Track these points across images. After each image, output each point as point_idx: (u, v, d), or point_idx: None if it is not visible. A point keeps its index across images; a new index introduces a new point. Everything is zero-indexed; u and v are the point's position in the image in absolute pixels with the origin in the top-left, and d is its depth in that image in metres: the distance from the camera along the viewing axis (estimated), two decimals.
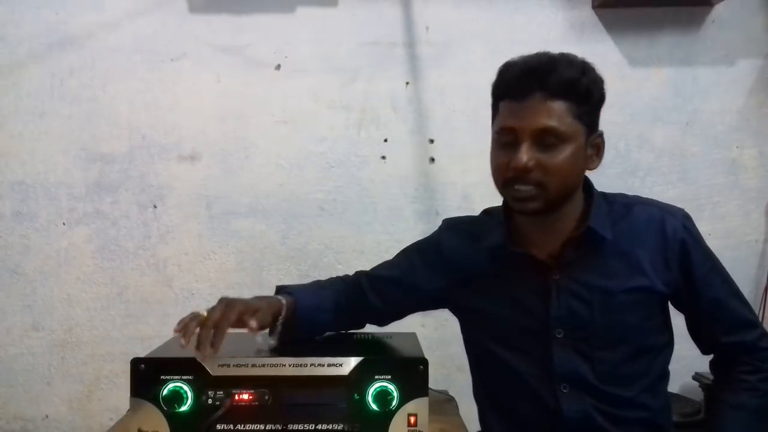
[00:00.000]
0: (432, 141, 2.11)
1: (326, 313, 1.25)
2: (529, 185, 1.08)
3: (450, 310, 1.32)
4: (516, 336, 1.19)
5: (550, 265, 1.15)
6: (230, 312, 1.08)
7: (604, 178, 2.05)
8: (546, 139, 1.07)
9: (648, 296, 1.14)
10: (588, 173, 1.17)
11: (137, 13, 2.07)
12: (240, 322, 1.09)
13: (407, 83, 2.11)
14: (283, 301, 1.19)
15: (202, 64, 2.09)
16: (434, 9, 2.09)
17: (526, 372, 1.18)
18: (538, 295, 1.16)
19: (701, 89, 2.13)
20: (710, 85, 2.13)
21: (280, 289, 1.27)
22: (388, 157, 2.11)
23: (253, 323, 1.08)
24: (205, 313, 1.08)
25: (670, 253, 1.14)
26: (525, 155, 1.06)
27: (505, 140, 1.10)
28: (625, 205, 1.18)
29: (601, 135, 1.15)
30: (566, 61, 1.09)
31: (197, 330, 1.06)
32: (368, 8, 2.08)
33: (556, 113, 1.06)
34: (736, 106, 2.13)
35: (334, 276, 1.35)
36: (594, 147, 1.14)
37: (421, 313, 1.36)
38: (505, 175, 1.10)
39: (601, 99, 1.12)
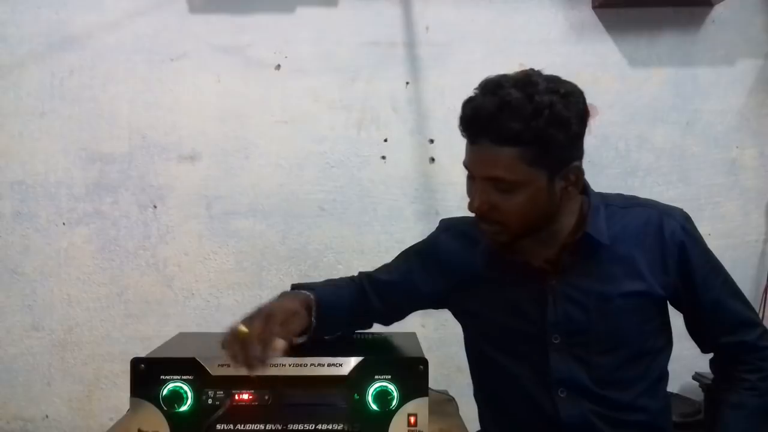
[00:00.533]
0: (432, 141, 2.11)
1: (342, 311, 1.23)
2: (490, 224, 1.09)
3: (450, 311, 1.31)
4: (513, 341, 1.18)
5: (547, 270, 1.15)
6: (273, 324, 1.01)
7: (604, 178, 2.07)
8: (498, 185, 1.05)
9: (646, 300, 1.14)
10: (587, 174, 1.15)
11: (137, 13, 2.07)
12: (283, 331, 1.03)
13: (407, 83, 2.11)
14: (312, 297, 1.15)
15: (202, 64, 2.09)
16: (434, 9, 2.09)
17: (524, 376, 1.17)
18: (534, 300, 1.15)
19: (701, 89, 2.13)
20: (710, 85, 2.13)
21: (297, 288, 1.23)
22: (388, 157, 2.11)
23: (281, 344, 1.00)
24: (242, 327, 1.00)
25: (668, 256, 1.13)
26: (476, 200, 1.07)
27: (468, 175, 1.11)
28: (623, 207, 1.17)
29: (577, 166, 1.08)
30: (515, 106, 1.00)
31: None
32: (368, 8, 2.08)
33: (503, 162, 1.02)
34: (736, 106, 2.13)
35: (343, 277, 1.34)
36: (568, 179, 1.08)
37: (421, 313, 1.36)
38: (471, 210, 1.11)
39: (570, 137, 1.04)
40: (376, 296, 1.27)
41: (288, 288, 1.26)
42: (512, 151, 1.02)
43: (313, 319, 1.13)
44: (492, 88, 1.03)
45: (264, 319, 1.02)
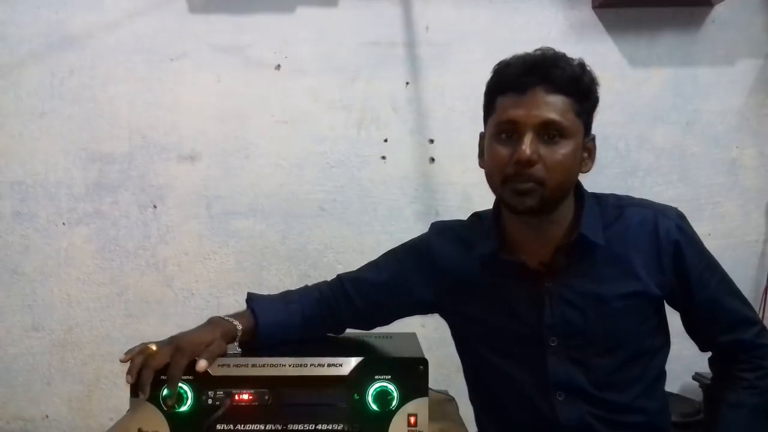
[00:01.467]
0: (432, 141, 2.11)
1: (292, 328, 1.21)
2: (529, 182, 1.06)
3: (440, 315, 1.30)
4: (510, 344, 1.17)
5: (542, 272, 1.14)
6: (180, 358, 1.04)
7: (604, 178, 2.07)
8: (548, 133, 1.06)
9: (642, 300, 1.13)
10: (587, 174, 1.15)
11: (137, 13, 2.07)
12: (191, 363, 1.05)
13: (407, 83, 2.11)
14: (239, 327, 1.13)
15: (202, 64, 2.09)
16: (434, 9, 2.09)
17: (521, 380, 1.17)
18: (531, 303, 1.15)
19: (701, 89, 2.13)
20: (710, 85, 2.13)
21: (249, 300, 1.22)
22: (388, 157, 2.11)
23: (203, 364, 1.04)
24: (152, 347, 1.05)
25: (663, 255, 1.13)
26: (529, 147, 1.04)
27: (505, 135, 1.08)
28: (617, 207, 1.17)
29: (593, 139, 1.14)
30: (567, 58, 1.09)
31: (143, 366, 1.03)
32: (368, 8, 2.08)
33: (558, 107, 1.06)
34: (736, 106, 2.13)
35: (312, 284, 1.30)
36: (587, 150, 1.14)
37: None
38: (505, 171, 1.07)
39: (597, 100, 1.12)
40: (361, 299, 1.25)
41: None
42: (565, 99, 1.06)
43: (236, 346, 1.13)
44: (529, 52, 1.10)
45: (172, 351, 1.05)
